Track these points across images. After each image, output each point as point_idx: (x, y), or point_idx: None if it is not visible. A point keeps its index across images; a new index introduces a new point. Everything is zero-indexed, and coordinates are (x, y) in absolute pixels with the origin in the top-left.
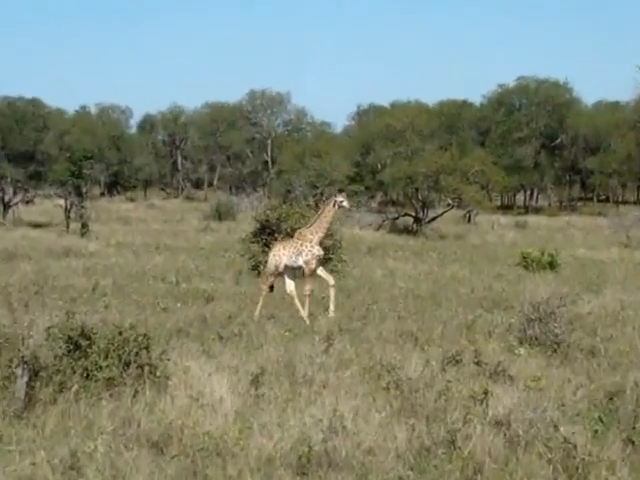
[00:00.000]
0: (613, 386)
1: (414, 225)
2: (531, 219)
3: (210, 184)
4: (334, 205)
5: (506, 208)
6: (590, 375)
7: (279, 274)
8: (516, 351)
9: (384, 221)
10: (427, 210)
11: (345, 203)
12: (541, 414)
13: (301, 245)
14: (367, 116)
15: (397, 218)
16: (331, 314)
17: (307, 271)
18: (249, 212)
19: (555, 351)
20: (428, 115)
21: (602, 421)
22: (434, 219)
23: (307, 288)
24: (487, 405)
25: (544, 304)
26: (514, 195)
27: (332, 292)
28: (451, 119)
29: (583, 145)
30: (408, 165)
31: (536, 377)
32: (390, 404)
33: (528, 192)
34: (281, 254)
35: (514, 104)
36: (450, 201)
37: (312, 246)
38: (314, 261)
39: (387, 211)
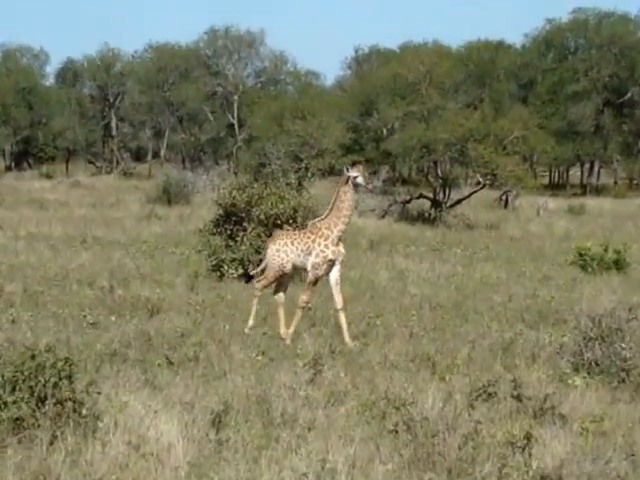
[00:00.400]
0: None
1: (432, 211)
2: (590, 202)
3: (156, 155)
4: (348, 183)
5: (557, 187)
6: None
7: (282, 276)
8: (570, 381)
9: (391, 205)
10: (450, 190)
11: (360, 179)
12: (603, 467)
13: (313, 242)
14: (368, 63)
15: (409, 201)
16: (350, 344)
17: (311, 277)
18: (209, 193)
19: (623, 381)
20: (451, 62)
21: None
22: (459, 202)
23: (303, 299)
24: (530, 455)
25: (608, 318)
26: (567, 170)
27: (342, 317)
28: (482, 67)
29: None
30: (424, 130)
31: (597, 417)
32: (399, 453)
33: (587, 166)
34: (289, 250)
35: (568, 46)
36: (480, 178)
37: (326, 246)
38: (324, 266)
39: (395, 192)
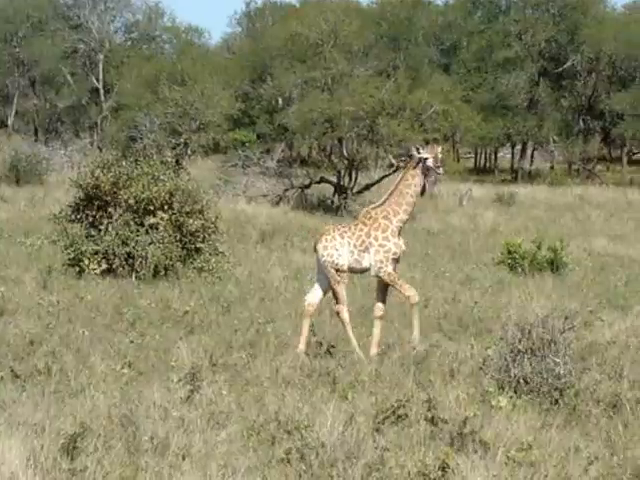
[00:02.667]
0: None
1: (335, 197)
2: (522, 190)
3: (2, 125)
4: (417, 167)
5: (483, 172)
6: (612, 442)
7: (345, 274)
8: (494, 401)
9: (287, 190)
10: (357, 174)
11: (430, 162)
12: None
13: (368, 235)
14: (262, 20)
15: (308, 186)
16: (373, 352)
17: (385, 277)
18: (67, 172)
19: (556, 402)
20: (360, 20)
21: None
22: (367, 188)
23: (408, 295)
24: None
25: (539, 327)
26: (496, 152)
27: (376, 328)
28: (397, 27)
29: (608, 72)
30: (327, 101)
31: (525, 444)
32: None
33: (518, 147)
34: (337, 244)
35: (498, 4)
36: (393, 160)
37: (386, 238)
38: (389, 262)
39: (293, 175)
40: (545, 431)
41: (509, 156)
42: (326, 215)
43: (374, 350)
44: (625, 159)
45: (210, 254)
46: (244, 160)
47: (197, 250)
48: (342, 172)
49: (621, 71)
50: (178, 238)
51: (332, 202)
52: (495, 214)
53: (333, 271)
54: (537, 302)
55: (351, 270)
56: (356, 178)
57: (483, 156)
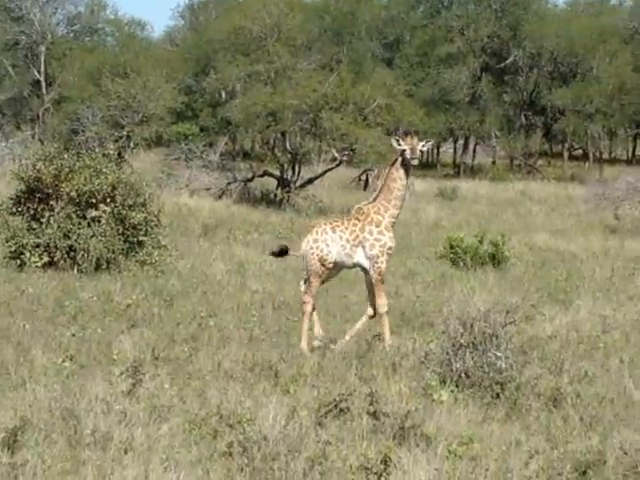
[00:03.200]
0: (587, 453)
1: (278, 191)
2: (464, 185)
3: None
4: (399, 160)
5: (425, 167)
6: (552, 435)
7: (327, 271)
8: (436, 395)
9: (230, 184)
10: (300, 168)
11: (407, 153)
12: None
13: (362, 230)
14: (205, 13)
15: (251, 179)
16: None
17: (375, 275)
18: (8, 164)
19: (497, 396)
20: (304, 14)
21: None
22: (311, 182)
23: (380, 303)
24: None
25: (481, 321)
26: (438, 147)
27: (362, 320)
28: (340, 22)
29: (549, 68)
30: (270, 94)
31: (466, 438)
32: (232, 479)
33: (461, 142)
34: (328, 239)
35: None
36: (336, 154)
37: (380, 232)
38: (385, 257)
39: (236, 168)
40: (486, 425)
41: (451, 151)
42: (269, 209)
43: (347, 337)
44: (566, 154)
45: (153, 247)
46: (187, 153)
47: (139, 243)
48: (285, 166)
49: (562, 67)
50: (120, 231)
51: (275, 196)
52: (437, 209)
53: (318, 264)
54: (479, 296)
55: (341, 265)
56: (299, 172)
57: (426, 150)
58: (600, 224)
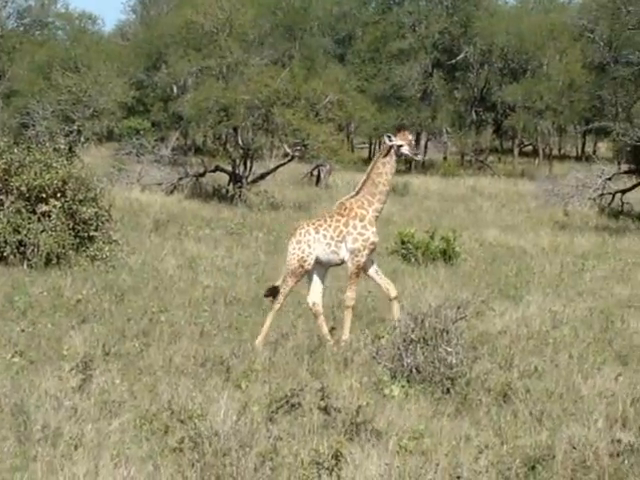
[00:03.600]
0: (536, 448)
1: (230, 186)
2: (416, 181)
3: None
4: (389, 154)
5: None
6: (501, 431)
7: (304, 273)
8: (387, 390)
9: (182, 179)
10: (252, 163)
11: (405, 149)
12: None
13: (346, 225)
14: (156, 7)
15: (203, 174)
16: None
17: (353, 267)
18: None
19: (448, 391)
20: (256, 9)
21: None
22: (262, 177)
23: (349, 296)
24: (339, 477)
25: (432, 317)
26: None
27: (395, 307)
28: (292, 17)
29: (500, 65)
30: (222, 89)
31: (417, 433)
32: (183, 474)
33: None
34: (310, 240)
35: None
36: (288, 149)
37: (364, 227)
38: (366, 252)
39: (187, 163)
40: (436, 420)
41: None
42: (221, 204)
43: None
44: (516, 151)
45: (103, 242)
46: (138, 148)
47: (90, 238)
48: (237, 161)
49: (513, 64)
50: (71, 226)
51: (227, 191)
52: (389, 204)
53: (297, 264)
54: (430, 292)
55: (329, 263)
56: (251, 167)
57: (377, 146)
58: (550, 220)
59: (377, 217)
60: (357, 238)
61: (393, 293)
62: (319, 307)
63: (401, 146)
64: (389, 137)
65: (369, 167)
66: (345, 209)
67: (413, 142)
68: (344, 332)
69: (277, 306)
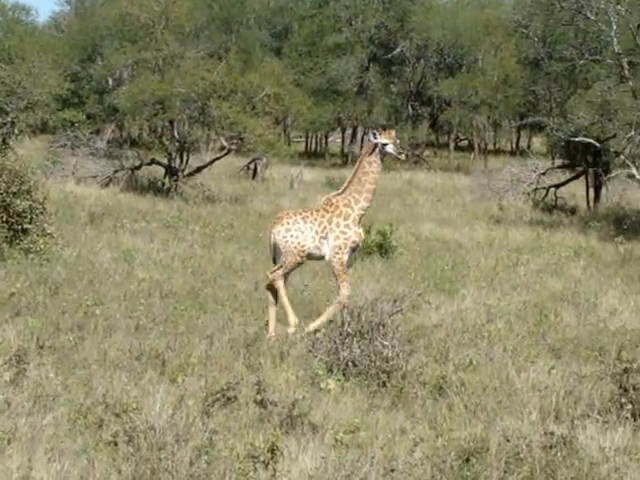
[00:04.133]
0: (471, 441)
1: (166, 180)
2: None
3: None
4: (375, 152)
5: (314, 156)
6: (437, 423)
7: (304, 258)
8: (323, 384)
9: (117, 172)
10: (188, 156)
11: (390, 148)
12: None
13: (330, 222)
14: None
15: (139, 167)
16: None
17: (337, 265)
18: None
19: (384, 384)
20: (192, 2)
21: None
22: (199, 171)
23: (344, 294)
24: (275, 470)
25: (368, 311)
26: (326, 136)
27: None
28: (229, 10)
29: (436, 60)
30: (158, 82)
31: (352, 426)
32: (118, 469)
33: (349, 132)
34: (300, 227)
35: None
36: (225, 143)
37: (347, 226)
38: (347, 250)
39: (123, 156)
40: (372, 413)
41: (339, 140)
42: (157, 197)
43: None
44: (452, 145)
45: (38, 235)
46: (73, 141)
47: (24, 231)
48: (173, 154)
49: (448, 58)
50: (4, 219)
51: (163, 184)
52: (325, 198)
53: (296, 252)
54: (366, 285)
55: (309, 257)
56: (187, 160)
57: (314, 140)
58: (485, 214)
59: (363, 215)
60: (339, 236)
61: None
62: (283, 297)
63: (386, 144)
64: (374, 134)
65: (355, 165)
66: (331, 205)
67: (398, 141)
68: (317, 323)
69: (279, 285)
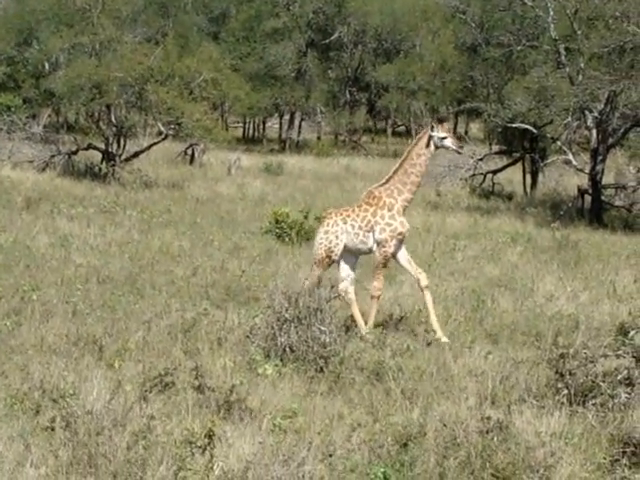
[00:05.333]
0: (408, 426)
1: (103, 165)
2: (290, 160)
3: None
4: (428, 145)
5: (252, 142)
6: (374, 409)
7: (331, 263)
8: (260, 369)
9: (54, 156)
10: (125, 141)
11: (448, 141)
12: (296, 469)
13: (374, 215)
14: None
15: (76, 152)
16: (442, 338)
17: (380, 258)
18: None
19: (321, 370)
20: None
21: None
22: (136, 156)
23: (376, 286)
24: (212, 456)
25: (306, 296)
26: (264, 122)
27: (427, 297)
28: None
29: (373, 45)
30: (95, 66)
31: (290, 411)
32: (55, 454)
33: (286, 118)
34: (338, 230)
35: None
36: (162, 128)
37: (392, 216)
38: (393, 242)
39: (60, 141)
40: (310, 398)
41: (277, 126)
42: (94, 182)
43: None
44: (389, 131)
45: None
46: (9, 125)
47: None
48: (110, 139)
49: (386, 44)
50: None
51: (100, 169)
52: (263, 183)
53: (324, 254)
54: (304, 271)
55: (358, 252)
56: (125, 145)
57: (252, 125)
58: (422, 200)
59: (406, 207)
60: (384, 228)
61: (424, 282)
62: (351, 295)
63: (444, 138)
64: (432, 127)
65: (402, 156)
66: (374, 198)
67: (453, 135)
68: (368, 322)
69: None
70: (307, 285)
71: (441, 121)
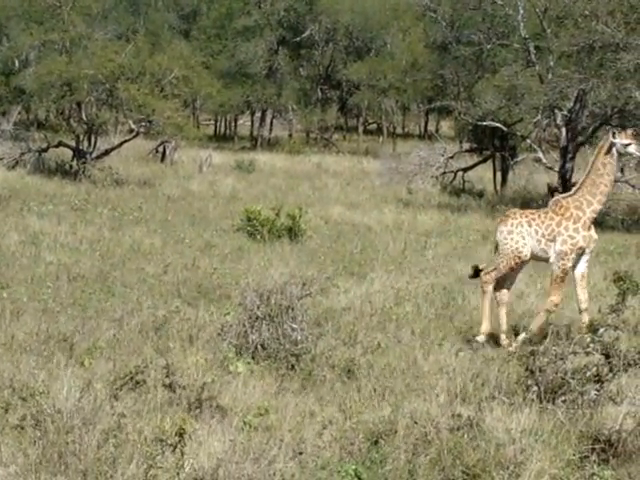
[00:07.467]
0: (379, 423)
1: (74, 162)
2: (262, 158)
3: None
4: (610, 153)
5: (223, 139)
6: (345, 406)
7: (522, 265)
8: (232, 367)
9: (24, 154)
10: (96, 139)
11: (633, 147)
12: (267, 467)
13: (559, 225)
14: None
15: (46, 150)
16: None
17: (558, 271)
18: None
19: (293, 368)
20: None
21: (359, 477)
22: (107, 153)
23: (553, 300)
24: (182, 454)
25: (278, 294)
26: (236, 119)
27: (586, 318)
28: None
29: (345, 43)
30: (65, 64)
31: (261, 409)
32: (24, 452)
33: (258, 115)
34: (525, 232)
35: None
36: (133, 125)
37: (576, 230)
38: (572, 256)
39: (30, 138)
40: (281, 396)
41: (249, 124)
42: (64, 180)
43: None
44: (361, 128)
45: None
46: None
47: None
48: (81, 137)
49: (357, 42)
50: None
51: (71, 167)
52: (235, 181)
53: (512, 256)
54: (275, 269)
55: (535, 258)
56: (95, 143)
57: (223, 123)
58: (394, 198)
59: (594, 218)
60: (566, 240)
61: (584, 305)
62: (505, 297)
63: (628, 145)
64: (614, 134)
65: (588, 167)
66: (560, 207)
67: (638, 140)
68: (531, 328)
69: (488, 288)
70: (487, 278)
71: (624, 128)
